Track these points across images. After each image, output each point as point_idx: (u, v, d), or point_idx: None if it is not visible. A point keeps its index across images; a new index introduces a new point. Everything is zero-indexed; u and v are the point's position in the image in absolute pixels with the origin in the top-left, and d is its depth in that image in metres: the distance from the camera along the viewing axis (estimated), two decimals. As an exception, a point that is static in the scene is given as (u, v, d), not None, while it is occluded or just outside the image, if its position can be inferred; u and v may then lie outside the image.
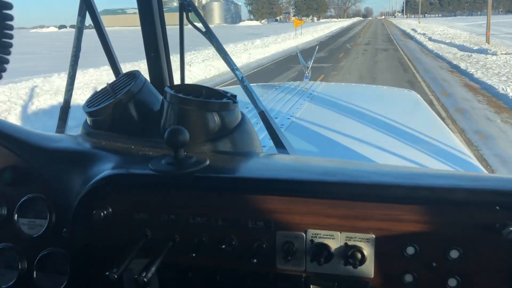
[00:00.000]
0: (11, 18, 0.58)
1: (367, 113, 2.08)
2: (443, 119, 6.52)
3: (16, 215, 0.86)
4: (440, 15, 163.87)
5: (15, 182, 0.87)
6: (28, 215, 0.85)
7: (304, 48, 17.50)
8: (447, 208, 0.68)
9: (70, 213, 0.80)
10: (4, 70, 0.60)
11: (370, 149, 1.60)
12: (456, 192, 0.68)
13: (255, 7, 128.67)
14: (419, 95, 2.65)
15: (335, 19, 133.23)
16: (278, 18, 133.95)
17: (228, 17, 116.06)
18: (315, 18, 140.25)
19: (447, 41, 22.00)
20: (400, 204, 0.69)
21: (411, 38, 29.55)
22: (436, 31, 33.83)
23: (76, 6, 1.14)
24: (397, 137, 1.74)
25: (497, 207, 0.66)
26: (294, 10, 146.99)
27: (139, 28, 1.21)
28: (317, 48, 4.74)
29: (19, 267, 0.86)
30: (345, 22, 77.94)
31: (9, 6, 0.57)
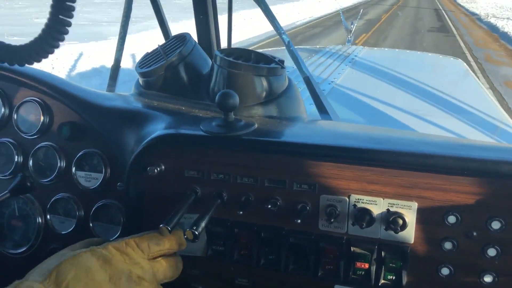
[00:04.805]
0: None
1: (410, 80, 2.23)
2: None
3: (74, 168, 1.06)
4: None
5: (73, 137, 1.06)
6: (85, 169, 1.05)
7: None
8: (492, 180, 0.80)
9: (124, 168, 0.99)
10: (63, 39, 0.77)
11: (412, 118, 1.74)
12: (503, 165, 0.80)
13: None
14: (465, 64, 2.78)
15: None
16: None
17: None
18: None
19: None
20: (445, 174, 0.82)
21: None
22: None
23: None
24: (440, 107, 1.89)
25: None
26: None
27: None
28: (361, 11, 4.70)
29: (77, 215, 1.07)
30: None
31: None
